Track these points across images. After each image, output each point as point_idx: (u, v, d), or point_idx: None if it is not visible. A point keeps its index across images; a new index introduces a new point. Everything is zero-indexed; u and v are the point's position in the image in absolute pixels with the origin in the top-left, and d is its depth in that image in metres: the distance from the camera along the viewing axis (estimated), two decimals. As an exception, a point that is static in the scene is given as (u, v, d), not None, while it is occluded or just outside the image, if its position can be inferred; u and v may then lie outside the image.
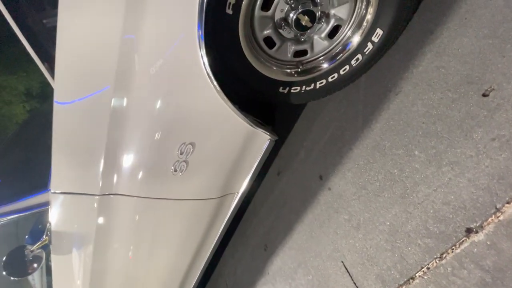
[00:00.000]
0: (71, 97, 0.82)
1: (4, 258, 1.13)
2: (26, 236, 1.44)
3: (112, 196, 0.99)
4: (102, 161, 0.90)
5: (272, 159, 1.64)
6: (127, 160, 0.91)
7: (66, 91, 0.81)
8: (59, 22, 0.71)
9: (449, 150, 0.80)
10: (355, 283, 1.01)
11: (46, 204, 1.13)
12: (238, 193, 1.36)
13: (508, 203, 0.66)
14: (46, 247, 1.23)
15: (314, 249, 1.24)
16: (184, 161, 0.96)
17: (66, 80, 0.80)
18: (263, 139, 1.18)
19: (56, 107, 0.83)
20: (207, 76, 0.80)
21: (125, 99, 0.81)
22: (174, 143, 0.91)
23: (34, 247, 1.14)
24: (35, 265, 1.20)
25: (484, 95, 0.75)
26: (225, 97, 0.88)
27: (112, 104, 0.81)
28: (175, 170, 0.97)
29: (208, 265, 1.72)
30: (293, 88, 1.15)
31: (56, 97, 0.82)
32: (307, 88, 1.16)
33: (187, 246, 1.39)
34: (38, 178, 1.26)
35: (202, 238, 1.42)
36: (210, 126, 0.94)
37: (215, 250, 1.65)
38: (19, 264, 1.16)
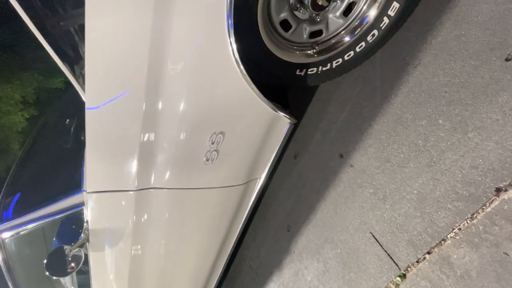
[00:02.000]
0: (103, 100, 0.84)
1: (45, 260, 1.17)
2: (54, 239, 1.48)
3: (148, 190, 1.02)
4: (137, 157, 0.93)
5: (287, 143, 1.66)
6: (161, 154, 0.94)
7: (97, 95, 0.83)
8: (87, 26, 0.72)
9: (474, 116, 0.83)
10: (385, 251, 1.07)
11: (81, 205, 1.16)
12: (260, 178, 1.40)
13: (537, 160, 0.70)
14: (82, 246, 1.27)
15: (340, 224, 1.29)
16: (215, 150, 0.99)
17: (96, 84, 0.81)
18: (284, 123, 1.20)
19: (88, 113, 0.84)
20: (235, 63, 0.82)
21: (157, 97, 0.83)
22: (206, 134, 0.93)
23: (73, 247, 1.17)
24: (74, 264, 1.25)
25: (507, 59, 0.77)
26: (251, 83, 0.90)
27: (144, 102, 0.82)
28: (207, 160, 1.00)
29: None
30: (309, 69, 1.17)
31: (88, 103, 0.83)
32: (324, 69, 1.17)
33: (215, 233, 1.44)
34: (67, 182, 1.29)
35: (229, 224, 1.47)
36: (238, 113, 0.96)
37: (240, 234, 1.71)
38: (60, 264, 1.20)
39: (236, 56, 0.81)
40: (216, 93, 0.87)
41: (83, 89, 0.99)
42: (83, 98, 1.03)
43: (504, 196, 0.76)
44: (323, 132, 1.45)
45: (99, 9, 0.71)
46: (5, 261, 1.45)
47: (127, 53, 0.77)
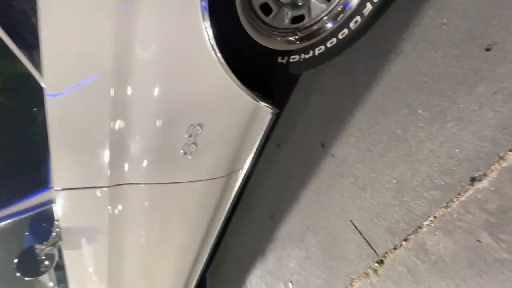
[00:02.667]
0: (64, 86, 0.76)
1: (16, 260, 1.10)
2: (25, 238, 1.40)
3: (122, 186, 0.96)
4: (108, 151, 0.86)
5: (270, 132, 1.64)
6: (135, 148, 0.88)
7: (58, 80, 0.74)
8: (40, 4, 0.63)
9: (452, 106, 0.84)
10: (364, 238, 1.10)
11: (49, 202, 1.09)
12: (242, 169, 1.38)
13: (510, 150, 0.71)
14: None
15: (321, 213, 1.31)
16: (193, 143, 0.94)
17: (56, 68, 0.72)
18: (265, 113, 1.17)
19: (49, 100, 0.76)
20: (211, 49, 0.76)
21: (126, 83, 0.76)
22: (182, 126, 0.88)
23: (45, 246, 1.11)
24: (48, 263, 1.18)
25: (486, 49, 0.77)
26: (229, 71, 0.85)
27: (112, 89, 0.75)
28: (185, 153, 0.95)
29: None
30: (291, 57, 1.13)
31: (48, 89, 0.75)
32: (306, 56, 1.13)
33: (197, 226, 1.42)
34: (31, 178, 1.19)
35: (211, 216, 1.45)
36: (216, 104, 0.91)
37: (223, 226, 1.70)
38: (32, 264, 1.14)
39: (212, 42, 0.75)
40: (191, 82, 0.82)
41: (41, 73, 0.90)
42: (41, 83, 0.93)
43: (478, 185, 0.78)
44: (305, 121, 1.43)
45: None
46: None
47: (90, 34, 0.69)
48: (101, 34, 0.68)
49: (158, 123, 0.84)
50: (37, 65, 0.86)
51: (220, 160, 1.13)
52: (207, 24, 0.71)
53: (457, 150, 0.82)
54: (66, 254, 1.23)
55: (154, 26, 0.70)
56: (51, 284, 1.67)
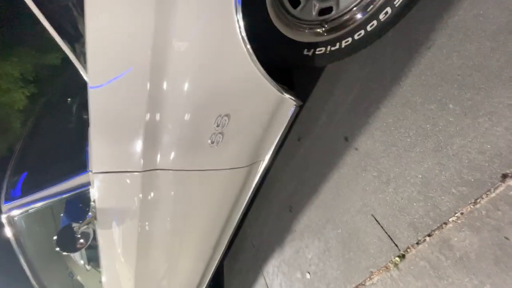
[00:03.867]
0: (105, 78, 0.82)
1: (55, 236, 1.20)
2: (61, 216, 1.52)
3: (154, 171, 1.03)
4: (143, 138, 0.92)
5: (292, 125, 1.65)
6: (167, 135, 0.93)
7: (99, 74, 0.80)
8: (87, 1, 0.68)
9: (486, 101, 0.81)
10: (386, 232, 1.10)
11: (87, 184, 1.18)
12: (264, 160, 1.41)
13: (548, 147, 0.69)
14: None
15: (342, 206, 1.31)
16: (220, 133, 0.98)
17: (98, 63, 0.78)
18: (289, 105, 1.19)
19: (91, 92, 0.83)
20: (242, 41, 0.79)
21: (161, 75, 0.80)
22: (211, 116, 0.92)
23: (82, 224, 1.21)
24: (83, 241, 1.28)
25: (526, 42, 0.74)
26: (257, 63, 0.87)
27: (148, 81, 0.80)
28: (212, 142, 0.99)
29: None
30: (318, 49, 1.13)
31: (91, 82, 0.81)
32: (332, 48, 1.14)
33: (218, 214, 1.48)
34: (69, 162, 1.30)
35: (232, 206, 1.50)
36: (243, 95, 0.94)
37: (242, 216, 1.75)
38: (70, 241, 1.24)
39: (243, 34, 0.78)
40: (222, 73, 0.85)
41: (84, 67, 0.97)
42: (85, 77, 1.01)
43: (510, 182, 0.76)
44: (328, 115, 1.43)
45: None
46: (16, 237, 1.50)
47: (130, 30, 0.74)
48: (141, 30, 0.73)
49: (189, 112, 0.89)
50: (82, 61, 0.93)
51: (243, 151, 1.17)
52: (239, 16, 0.74)
53: (488, 146, 0.80)
54: (100, 233, 1.33)
55: (190, 20, 0.73)
56: (81, 262, 1.81)
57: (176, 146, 0.97)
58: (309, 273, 1.52)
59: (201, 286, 2.13)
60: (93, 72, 0.82)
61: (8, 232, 1.45)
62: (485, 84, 0.81)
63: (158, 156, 0.99)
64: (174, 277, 1.82)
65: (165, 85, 0.82)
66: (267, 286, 1.94)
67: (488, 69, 0.81)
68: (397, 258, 1.04)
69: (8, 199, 1.39)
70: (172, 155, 0.99)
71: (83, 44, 0.89)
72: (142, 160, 0.99)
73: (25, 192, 1.40)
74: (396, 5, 0.98)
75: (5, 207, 1.38)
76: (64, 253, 1.32)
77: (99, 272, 1.88)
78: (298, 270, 1.61)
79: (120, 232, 1.30)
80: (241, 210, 1.62)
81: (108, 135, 0.95)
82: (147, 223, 1.23)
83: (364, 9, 1.05)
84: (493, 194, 0.79)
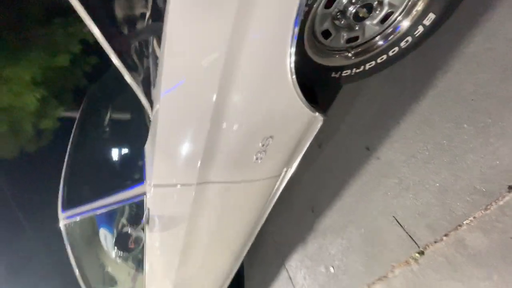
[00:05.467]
0: (176, 82, 0.95)
1: (115, 238, 1.37)
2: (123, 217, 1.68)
3: (205, 184, 1.18)
4: (201, 155, 1.07)
5: (314, 134, 1.80)
6: (222, 152, 1.08)
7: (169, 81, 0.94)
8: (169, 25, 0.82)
9: (496, 124, 0.96)
10: (406, 232, 1.26)
11: (141, 195, 1.34)
12: (291, 167, 1.56)
13: (548, 166, 0.84)
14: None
15: (364, 209, 1.47)
16: (264, 151, 1.13)
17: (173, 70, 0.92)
18: (318, 121, 1.33)
19: (163, 99, 0.97)
20: (289, 72, 0.93)
21: (226, 99, 0.94)
22: (259, 137, 1.07)
23: (137, 228, 1.37)
24: (136, 243, 1.45)
25: (531, 76, 0.88)
26: (299, 90, 1.01)
27: (215, 102, 0.94)
28: (256, 159, 1.15)
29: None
30: (344, 71, 1.27)
31: (163, 89, 0.95)
32: (357, 70, 1.28)
33: (252, 217, 1.64)
34: (130, 173, 1.45)
35: (263, 208, 1.66)
36: (286, 119, 1.09)
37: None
38: (125, 242, 1.40)
39: (291, 66, 0.92)
40: (271, 100, 0.99)
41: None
42: (141, 96, 1.15)
43: (516, 193, 0.91)
44: (349, 125, 1.57)
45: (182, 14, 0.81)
46: (71, 242, 1.68)
47: (208, 45, 0.86)
48: (216, 48, 0.86)
49: (243, 134, 1.04)
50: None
51: (278, 163, 1.32)
52: (292, 50, 0.88)
53: (498, 162, 0.95)
54: (149, 236, 1.49)
55: (257, 52, 0.87)
56: (113, 253, 1.98)
57: (227, 162, 1.12)
58: (332, 267, 1.69)
59: (227, 281, 2.31)
60: (165, 80, 0.95)
61: (65, 238, 1.62)
62: (496, 110, 0.96)
63: (211, 170, 1.14)
64: (207, 278, 2.00)
65: (225, 112, 0.97)
66: (290, 278, 2.12)
67: (499, 97, 0.95)
68: (417, 254, 1.21)
69: (65, 208, 1.56)
70: (223, 169, 1.15)
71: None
72: (196, 174, 1.14)
73: (79, 202, 1.56)
74: (416, 35, 1.11)
75: (63, 215, 1.55)
76: (121, 253, 1.49)
77: (128, 266, 2.07)
78: (321, 264, 1.78)
79: (168, 237, 1.46)
80: (268, 212, 1.78)
81: (169, 151, 1.10)
82: (193, 228, 1.40)
83: (386, 38, 1.18)
84: (501, 202, 0.95)
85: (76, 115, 2.27)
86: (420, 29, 1.10)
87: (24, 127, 6.60)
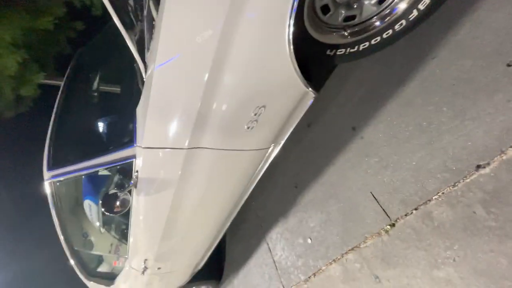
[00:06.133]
0: (169, 56, 0.97)
1: (101, 200, 1.39)
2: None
3: (196, 149, 1.21)
4: (194, 119, 1.09)
5: (304, 112, 1.84)
6: (214, 119, 1.11)
7: (166, 53, 0.95)
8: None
9: (472, 108, 1.04)
10: (381, 206, 1.36)
11: (131, 157, 1.34)
12: (280, 143, 1.61)
13: (511, 147, 0.93)
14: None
15: (345, 184, 1.56)
16: (255, 120, 1.17)
17: (168, 44, 0.93)
18: (309, 97, 1.37)
19: (157, 71, 0.98)
20: (287, 42, 0.95)
21: (221, 65, 0.96)
22: (252, 106, 1.10)
23: (124, 191, 1.39)
24: (123, 205, 1.47)
25: (508, 65, 0.95)
26: (295, 61, 1.04)
27: (209, 68, 0.96)
28: (248, 128, 1.18)
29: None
30: (339, 50, 1.30)
31: (158, 60, 0.96)
32: (351, 50, 1.31)
33: (239, 188, 1.69)
34: (120, 135, 1.45)
35: (249, 181, 1.72)
36: (279, 89, 1.12)
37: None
38: (112, 204, 1.43)
39: (290, 37, 0.94)
40: (267, 69, 1.02)
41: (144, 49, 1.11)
42: (138, 59, 1.14)
43: (482, 172, 1.01)
44: (338, 106, 1.63)
45: None
46: (55, 202, 1.67)
47: (203, 22, 0.88)
48: (211, 23, 0.87)
49: (236, 101, 1.06)
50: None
51: (268, 135, 1.36)
52: (291, 21, 0.90)
53: (470, 143, 1.04)
54: (136, 200, 1.52)
55: (253, 22, 0.89)
56: (97, 224, 2.01)
57: (218, 128, 1.15)
58: (310, 238, 1.80)
59: (208, 252, 2.39)
60: (162, 51, 0.96)
61: (49, 197, 1.62)
62: (474, 94, 1.03)
63: (203, 136, 1.17)
64: (188, 247, 2.07)
65: (221, 75, 0.98)
66: (270, 250, 2.23)
67: (477, 83, 1.02)
68: (388, 226, 1.31)
69: (50, 167, 1.54)
70: (214, 136, 1.17)
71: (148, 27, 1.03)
72: (188, 139, 1.16)
73: (65, 162, 1.55)
74: (410, 19, 1.15)
75: (48, 174, 1.54)
76: (108, 214, 1.51)
77: (112, 235, 2.10)
78: (300, 236, 1.89)
79: (156, 200, 1.49)
80: (253, 186, 1.84)
81: (162, 114, 1.11)
82: (181, 194, 1.43)
83: (382, 19, 1.21)
84: (468, 180, 1.04)
85: (57, 82, 2.17)
86: (415, 13, 1.13)
87: (3, 90, 6.22)
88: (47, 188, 1.58)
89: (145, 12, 1.38)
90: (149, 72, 1.12)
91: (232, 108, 1.08)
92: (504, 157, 0.95)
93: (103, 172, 1.63)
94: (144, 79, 1.17)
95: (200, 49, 0.93)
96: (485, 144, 1.00)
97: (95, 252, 2.32)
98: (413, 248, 1.21)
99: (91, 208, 1.86)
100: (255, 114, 1.14)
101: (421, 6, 1.11)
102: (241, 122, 1.15)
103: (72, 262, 2.08)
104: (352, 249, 1.49)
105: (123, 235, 1.98)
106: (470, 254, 1.02)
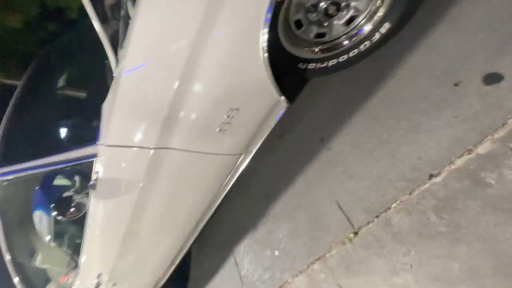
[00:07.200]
0: (141, 62, 0.96)
1: (53, 203, 1.27)
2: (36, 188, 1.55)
3: (164, 149, 1.18)
4: (163, 119, 1.07)
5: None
6: (184, 119, 1.09)
7: (137, 58, 0.94)
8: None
9: (426, 122, 1.14)
10: (345, 215, 1.40)
11: (92, 156, 1.26)
12: (251, 152, 1.62)
13: (459, 157, 1.03)
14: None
15: (313, 193, 1.60)
16: (228, 122, 1.17)
17: (139, 47, 0.93)
18: (281, 106, 1.41)
19: (126, 76, 0.96)
20: (262, 50, 1.00)
21: (193, 67, 0.97)
22: (225, 107, 1.11)
23: (80, 193, 1.29)
24: (77, 210, 1.36)
25: (455, 84, 1.07)
26: (269, 67, 1.08)
27: (182, 71, 0.97)
28: (220, 130, 1.18)
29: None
30: (309, 64, 1.38)
31: (127, 65, 0.95)
32: (321, 66, 1.40)
33: (206, 196, 1.64)
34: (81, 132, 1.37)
35: (219, 188, 1.68)
36: (253, 94, 1.14)
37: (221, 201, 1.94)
38: (66, 208, 1.31)
39: (264, 44, 0.99)
40: (241, 73, 1.05)
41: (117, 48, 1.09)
42: (111, 59, 1.12)
43: (434, 180, 1.09)
44: (310, 118, 1.70)
45: None
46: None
47: (178, 25, 0.90)
48: (186, 28, 0.89)
49: (209, 102, 1.07)
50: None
51: (240, 140, 1.37)
52: (265, 30, 0.95)
53: (424, 154, 1.13)
54: (94, 203, 1.41)
55: (227, 26, 0.92)
56: (48, 237, 1.83)
57: (189, 129, 1.13)
58: (278, 250, 1.78)
59: (171, 267, 2.25)
60: (132, 55, 0.95)
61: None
62: (427, 109, 1.14)
63: (171, 136, 1.14)
64: (150, 260, 1.93)
65: (193, 76, 0.99)
66: (236, 264, 2.16)
67: (430, 100, 1.14)
68: (351, 235, 1.35)
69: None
70: (184, 137, 1.15)
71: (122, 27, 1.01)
72: (156, 138, 1.13)
73: (15, 160, 1.41)
74: (373, 41, 1.27)
75: (-7, 171, 1.38)
76: (60, 219, 1.37)
77: (63, 252, 1.91)
78: (268, 248, 1.86)
79: (116, 204, 1.40)
80: (223, 195, 1.81)
81: (130, 112, 1.08)
82: (145, 198, 1.36)
83: (349, 39, 1.32)
84: (422, 188, 1.12)
85: (18, 83, 2.05)
86: (377, 35, 1.25)
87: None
88: (-9, 188, 1.41)
89: (122, 11, 1.37)
90: (119, 68, 1.09)
91: (205, 108, 1.08)
92: (453, 167, 1.05)
93: (59, 181, 1.51)
94: (114, 75, 1.14)
95: (174, 45, 0.94)
96: (437, 154, 1.09)
97: (41, 266, 2.07)
98: (374, 255, 1.24)
99: (42, 220, 1.69)
100: (228, 117, 1.15)
101: (382, 30, 1.23)
102: (213, 123, 1.15)
103: (15, 279, 1.83)
104: (318, 259, 1.50)
105: (76, 250, 1.80)
106: (425, 259, 1.07)
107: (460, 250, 1.00)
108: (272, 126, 1.51)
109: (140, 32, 0.91)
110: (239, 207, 2.25)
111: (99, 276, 1.80)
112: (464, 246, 0.99)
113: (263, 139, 1.56)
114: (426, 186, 1.11)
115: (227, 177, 1.64)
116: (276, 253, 1.79)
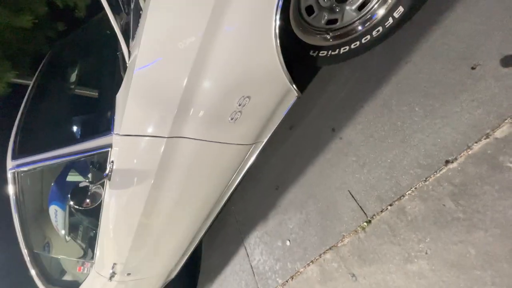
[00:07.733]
0: (154, 56, 0.96)
1: (70, 193, 1.30)
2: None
3: (177, 138, 1.19)
4: (176, 108, 1.08)
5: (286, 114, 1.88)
6: (197, 108, 1.10)
7: (150, 51, 0.95)
8: None
9: (441, 107, 1.12)
10: (358, 204, 1.39)
11: (107, 146, 1.29)
12: (262, 142, 1.62)
13: (476, 142, 1.01)
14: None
15: (324, 184, 1.59)
16: (239, 111, 1.17)
17: (151, 41, 0.93)
18: (292, 95, 1.41)
19: (138, 72, 0.97)
20: (274, 36, 0.99)
21: (205, 56, 0.97)
22: (236, 96, 1.11)
23: (95, 183, 1.31)
24: (92, 200, 1.38)
25: (472, 68, 1.05)
26: (281, 55, 1.07)
27: (194, 60, 0.97)
28: (231, 119, 1.18)
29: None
30: (321, 52, 1.37)
31: (138, 64, 0.96)
32: (332, 53, 1.38)
33: (218, 186, 1.66)
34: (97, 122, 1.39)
35: (229, 180, 1.69)
36: (264, 81, 1.14)
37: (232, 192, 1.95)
38: (82, 197, 1.34)
39: (276, 31, 0.98)
40: (253, 60, 1.04)
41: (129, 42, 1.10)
42: (124, 49, 1.13)
43: (450, 166, 1.07)
44: (320, 108, 1.69)
45: None
46: (16, 195, 1.54)
47: (188, 16, 0.90)
48: (197, 17, 0.89)
49: (220, 90, 1.07)
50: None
51: (252, 130, 1.37)
52: (277, 16, 0.94)
53: (439, 140, 1.11)
54: (109, 193, 1.44)
55: (239, 13, 0.92)
56: (63, 231, 1.88)
57: (202, 117, 1.14)
58: (289, 240, 1.79)
59: (183, 259, 2.28)
60: (144, 49, 0.96)
61: (10, 188, 1.49)
62: (443, 95, 1.12)
63: (185, 125, 1.15)
64: (163, 250, 1.96)
65: (206, 64, 0.99)
66: (248, 255, 2.18)
67: (446, 85, 1.11)
68: (364, 223, 1.34)
69: (16, 156, 1.43)
70: (197, 125, 1.16)
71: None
72: (169, 127, 1.14)
73: (33, 151, 1.45)
74: (386, 26, 1.25)
75: (12, 163, 1.42)
76: (76, 207, 1.40)
77: (78, 244, 1.95)
78: (279, 239, 1.87)
79: (130, 194, 1.42)
80: (235, 185, 1.82)
81: (143, 102, 1.09)
82: (158, 188, 1.37)
83: (361, 25, 1.30)
84: (438, 174, 1.10)
85: (29, 82, 2.10)
86: (390, 20, 1.23)
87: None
88: (10, 179, 1.45)
89: (132, 5, 1.38)
90: (132, 58, 1.10)
91: (217, 96, 1.09)
92: (470, 152, 1.02)
93: (73, 177, 1.54)
94: (127, 65, 1.15)
95: (186, 35, 0.94)
96: (453, 140, 1.07)
97: (57, 256, 2.13)
98: (388, 243, 1.23)
99: (57, 214, 1.73)
100: (239, 105, 1.15)
101: (396, 14, 1.21)
102: (225, 112, 1.15)
103: (32, 271, 1.89)
104: (330, 248, 1.50)
105: (91, 242, 1.85)
106: (441, 246, 1.06)
107: (477, 236, 0.99)
108: (282, 117, 1.51)
109: (151, 25, 0.92)
110: (249, 198, 2.26)
111: (114, 265, 1.84)
112: (481, 231, 0.97)
113: (273, 129, 1.56)
114: (442, 172, 1.09)
115: (238, 168, 1.64)
116: (288, 243, 1.79)
